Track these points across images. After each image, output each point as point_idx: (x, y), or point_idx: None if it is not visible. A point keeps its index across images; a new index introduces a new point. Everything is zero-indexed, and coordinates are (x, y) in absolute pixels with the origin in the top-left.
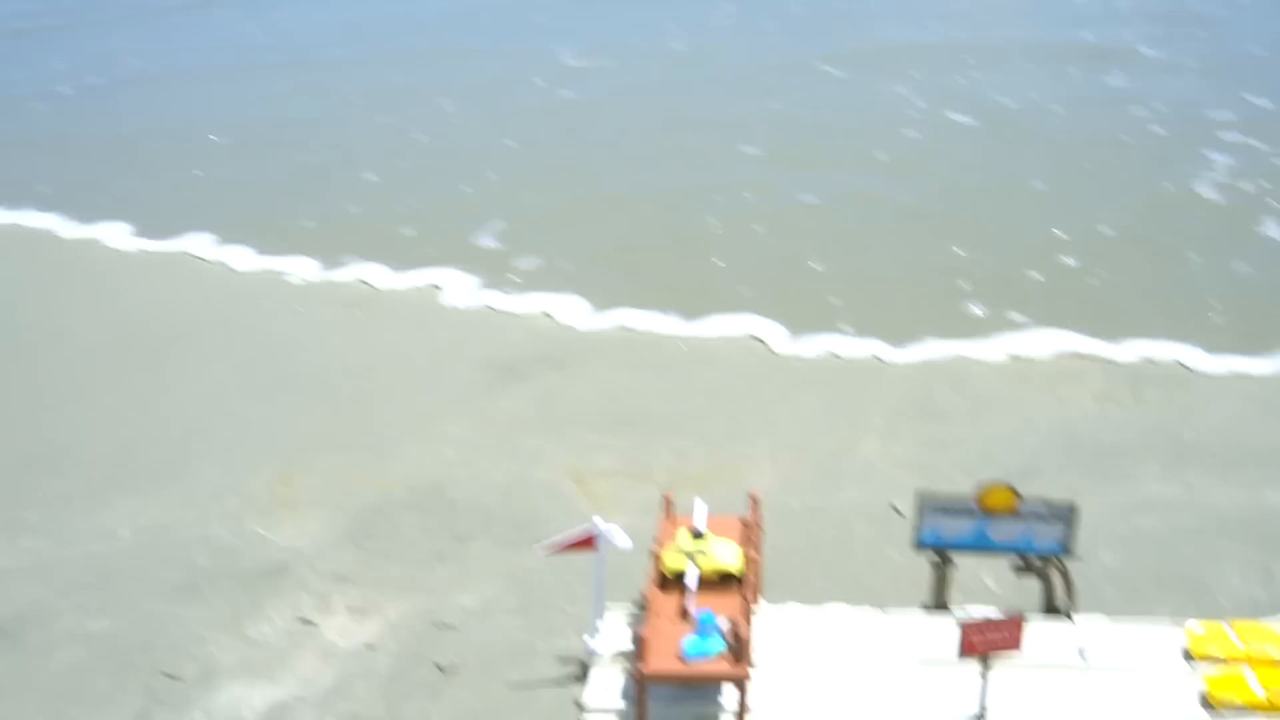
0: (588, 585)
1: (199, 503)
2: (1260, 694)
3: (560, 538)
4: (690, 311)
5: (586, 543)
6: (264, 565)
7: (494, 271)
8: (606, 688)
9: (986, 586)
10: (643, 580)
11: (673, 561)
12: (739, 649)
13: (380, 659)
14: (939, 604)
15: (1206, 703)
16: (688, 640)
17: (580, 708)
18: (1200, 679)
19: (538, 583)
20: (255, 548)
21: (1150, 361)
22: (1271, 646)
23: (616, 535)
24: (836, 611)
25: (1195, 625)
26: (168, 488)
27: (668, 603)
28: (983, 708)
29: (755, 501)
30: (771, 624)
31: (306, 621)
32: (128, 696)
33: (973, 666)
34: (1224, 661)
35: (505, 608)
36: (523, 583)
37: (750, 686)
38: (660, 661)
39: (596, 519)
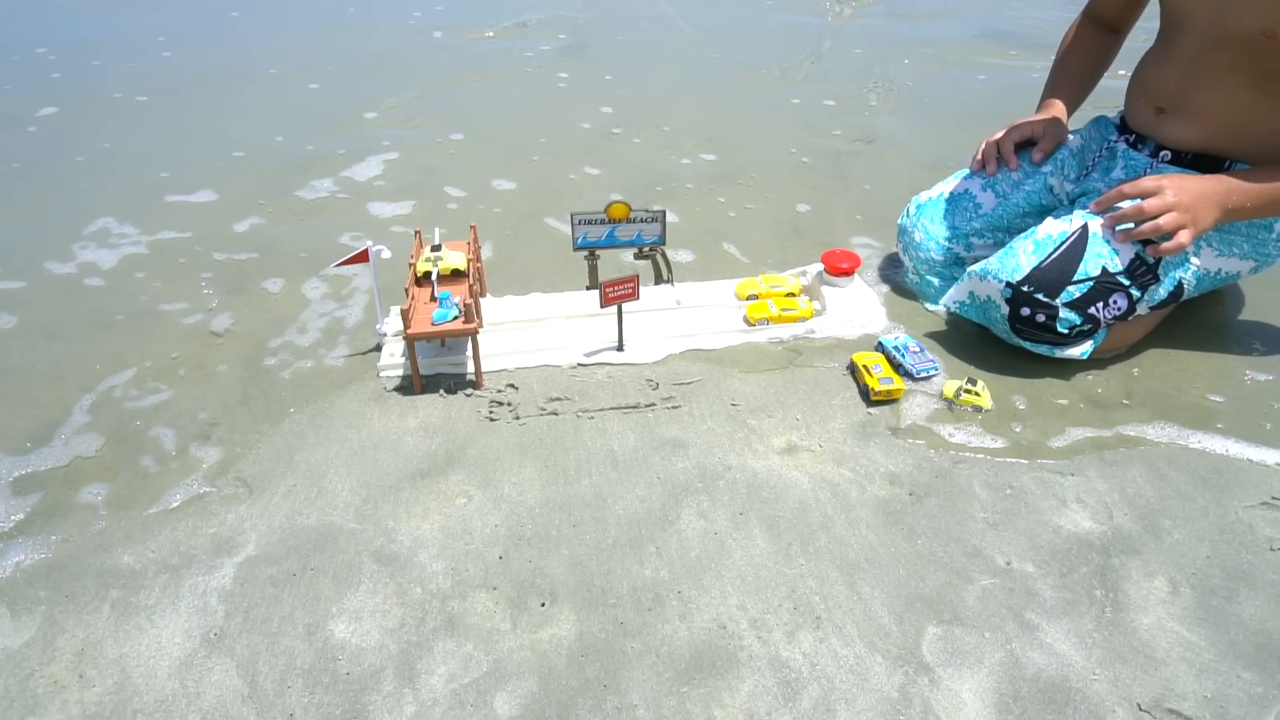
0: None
1: None
2: (774, 311)
3: (342, 258)
4: None
5: (362, 257)
6: None
7: None
8: (393, 354)
9: (626, 261)
10: (404, 282)
11: (421, 267)
12: (468, 314)
13: None
14: (592, 285)
15: (746, 321)
16: (435, 313)
17: (378, 370)
18: (743, 308)
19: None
20: None
21: None
22: (781, 286)
23: (383, 252)
24: (534, 296)
25: (741, 279)
26: None
27: (421, 293)
28: (620, 338)
29: (474, 228)
30: (493, 306)
31: None
32: None
33: (611, 312)
34: (755, 297)
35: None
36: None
37: (478, 338)
38: (419, 327)
39: (368, 241)
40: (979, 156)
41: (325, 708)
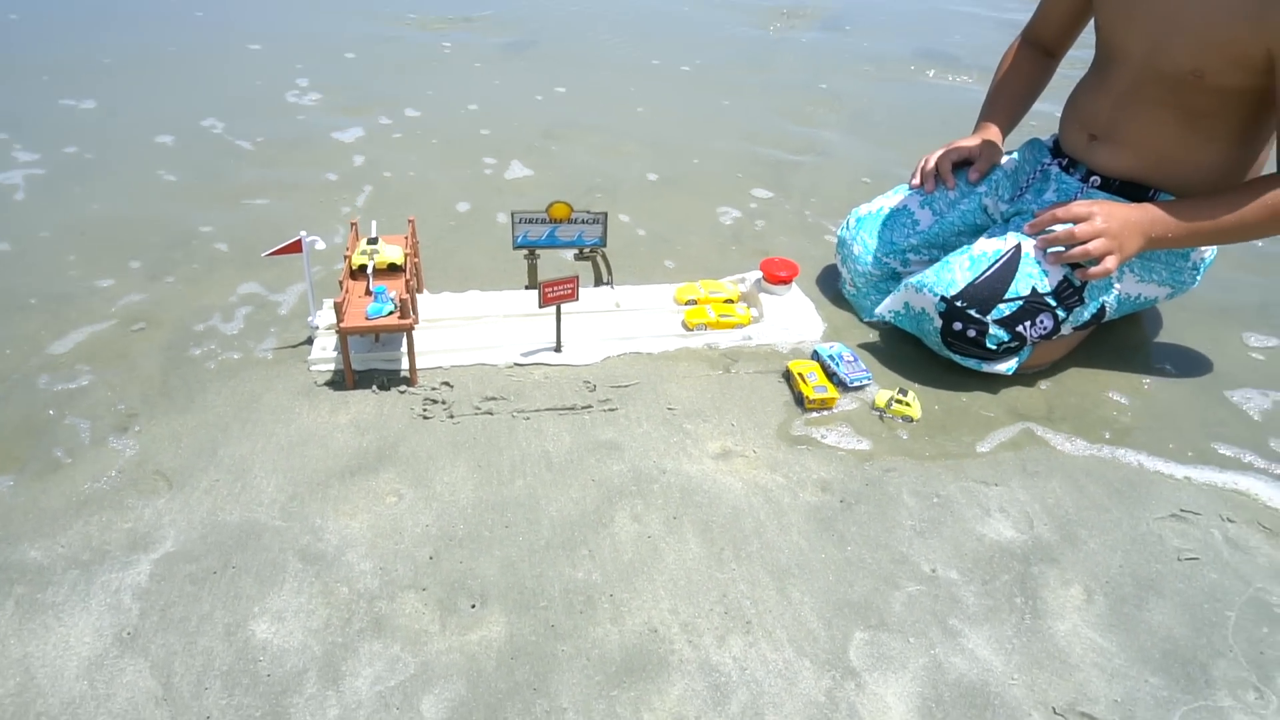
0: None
1: None
2: (713, 316)
3: (274, 247)
4: None
5: (294, 247)
6: None
7: None
8: (324, 347)
9: (566, 262)
10: (339, 275)
11: (357, 259)
12: (403, 309)
13: None
14: (531, 285)
15: (684, 325)
16: (370, 307)
17: (308, 364)
18: (681, 313)
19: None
20: None
21: None
22: (720, 292)
23: (316, 242)
24: (472, 294)
25: (680, 284)
26: None
27: (356, 287)
28: (559, 339)
29: (412, 222)
30: (430, 302)
31: None
32: None
33: (550, 313)
34: (694, 302)
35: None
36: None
37: (414, 334)
38: (352, 321)
39: (302, 232)
40: (917, 175)
41: (244, 710)
